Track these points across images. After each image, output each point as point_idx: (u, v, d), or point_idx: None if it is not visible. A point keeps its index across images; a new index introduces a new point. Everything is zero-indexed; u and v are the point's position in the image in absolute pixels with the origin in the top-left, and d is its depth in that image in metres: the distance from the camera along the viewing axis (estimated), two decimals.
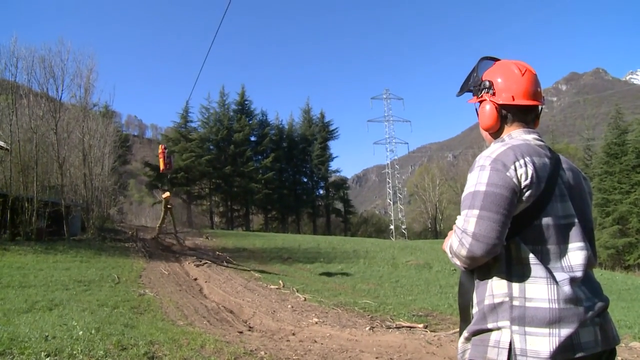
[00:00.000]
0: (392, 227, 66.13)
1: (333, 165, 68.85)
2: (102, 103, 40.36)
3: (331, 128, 68.24)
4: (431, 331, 9.50)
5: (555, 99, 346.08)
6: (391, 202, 69.82)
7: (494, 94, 2.10)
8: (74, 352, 4.65)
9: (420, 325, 10.01)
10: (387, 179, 71.89)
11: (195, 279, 17.25)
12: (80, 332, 5.74)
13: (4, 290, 11.42)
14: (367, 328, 8.72)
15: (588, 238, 1.87)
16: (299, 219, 66.01)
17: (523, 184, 1.80)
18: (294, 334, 8.09)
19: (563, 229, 1.82)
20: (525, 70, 2.08)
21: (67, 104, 28.74)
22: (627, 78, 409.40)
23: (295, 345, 6.36)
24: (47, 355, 4.44)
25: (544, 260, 1.79)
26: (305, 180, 67.37)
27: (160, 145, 18.00)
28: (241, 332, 7.88)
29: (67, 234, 24.20)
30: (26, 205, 22.48)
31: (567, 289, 1.74)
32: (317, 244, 33.37)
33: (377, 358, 5.62)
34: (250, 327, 9.61)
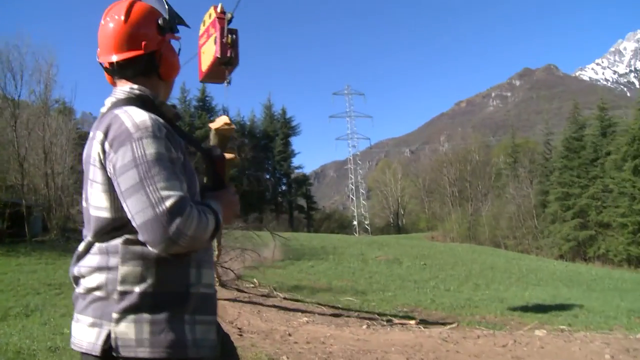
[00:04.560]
0: (355, 222, 66.31)
1: (295, 162, 68.48)
2: (62, 99, 39.06)
3: (293, 124, 67.96)
4: (424, 327, 9.42)
5: (509, 94, 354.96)
6: (353, 198, 70.04)
7: None
8: None
9: (412, 322, 9.92)
10: (350, 175, 72.11)
11: None
12: None
13: None
14: (364, 327, 8.55)
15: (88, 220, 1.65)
16: (262, 216, 65.45)
17: None
18: (290, 335, 7.86)
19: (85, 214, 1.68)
20: (107, 21, 1.77)
21: (26, 101, 27.64)
22: (577, 74, 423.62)
23: (312, 347, 6.12)
24: None
25: None
26: (267, 176, 66.79)
27: (212, 8, 5.44)
28: (241, 335, 7.60)
29: (28, 236, 23.25)
30: None
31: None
32: (284, 240, 33.04)
33: (407, 359, 5.44)
34: (239, 329, 9.33)
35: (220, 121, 2.99)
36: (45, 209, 26.42)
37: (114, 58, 1.73)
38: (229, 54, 5.04)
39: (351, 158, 72.49)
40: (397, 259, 26.14)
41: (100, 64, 1.81)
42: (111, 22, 1.74)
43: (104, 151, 1.56)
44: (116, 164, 1.51)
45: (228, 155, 3.40)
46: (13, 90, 25.17)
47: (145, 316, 1.49)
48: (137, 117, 1.58)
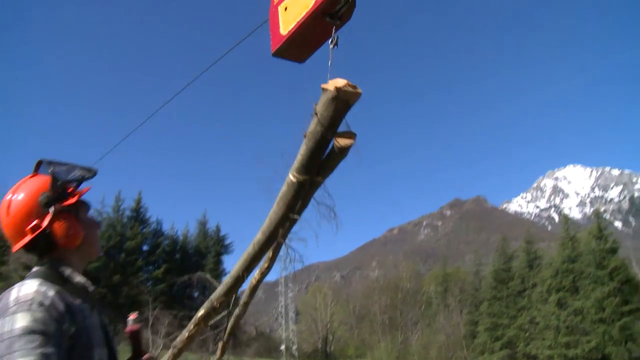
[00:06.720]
0: (283, 347, 64.24)
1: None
2: None
3: (226, 242, 67.04)
4: None
5: (440, 223, 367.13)
6: (283, 321, 68.33)
7: None
8: None
9: None
10: (280, 297, 70.76)
11: None
12: None
13: None
14: None
15: None
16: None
17: None
18: None
19: None
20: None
21: None
22: (504, 206, 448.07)
23: None
24: None
25: None
26: (196, 295, 64.55)
27: None
28: None
29: None
30: None
31: None
32: None
33: None
34: None
35: (340, 81, 2.08)
36: None
37: (14, 249, 1.75)
38: None
39: (282, 280, 71.59)
40: None
41: None
42: (2, 216, 1.76)
43: None
44: None
45: (345, 142, 2.50)
46: None
47: None
48: (24, 290, 1.54)
